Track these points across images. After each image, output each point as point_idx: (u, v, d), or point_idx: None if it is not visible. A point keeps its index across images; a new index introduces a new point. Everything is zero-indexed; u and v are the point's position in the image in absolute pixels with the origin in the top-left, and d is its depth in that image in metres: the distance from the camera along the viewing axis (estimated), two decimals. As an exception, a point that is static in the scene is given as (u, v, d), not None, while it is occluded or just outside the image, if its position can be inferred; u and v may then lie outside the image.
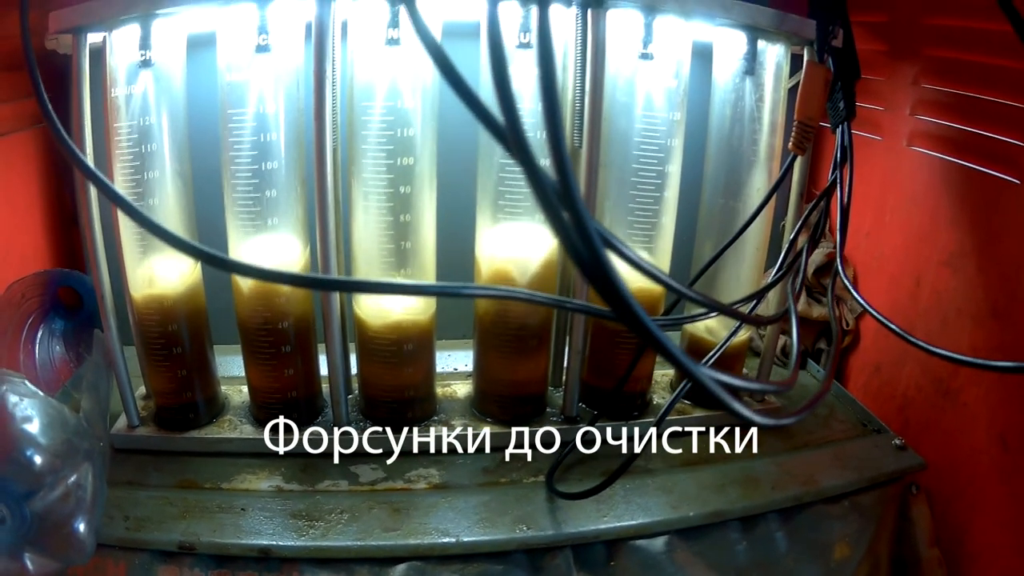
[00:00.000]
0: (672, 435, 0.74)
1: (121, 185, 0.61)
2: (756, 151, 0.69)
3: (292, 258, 0.65)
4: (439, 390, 0.74)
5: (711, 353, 0.66)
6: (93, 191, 0.62)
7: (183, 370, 0.67)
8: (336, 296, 0.64)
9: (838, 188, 0.66)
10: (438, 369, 0.73)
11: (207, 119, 0.64)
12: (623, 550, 0.63)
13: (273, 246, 0.64)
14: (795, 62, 0.67)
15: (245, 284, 0.65)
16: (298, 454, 0.69)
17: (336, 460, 0.69)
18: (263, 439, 0.68)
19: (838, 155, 0.66)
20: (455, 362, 0.79)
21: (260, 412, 0.70)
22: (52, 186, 0.82)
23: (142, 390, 0.73)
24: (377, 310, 0.66)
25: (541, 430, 0.71)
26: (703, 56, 0.69)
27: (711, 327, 0.75)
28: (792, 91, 0.67)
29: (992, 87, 0.66)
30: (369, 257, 0.64)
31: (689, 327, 0.76)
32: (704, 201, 0.72)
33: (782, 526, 0.67)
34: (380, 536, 0.61)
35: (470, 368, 0.74)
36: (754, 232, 0.70)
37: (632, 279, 0.65)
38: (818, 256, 0.85)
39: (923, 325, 0.75)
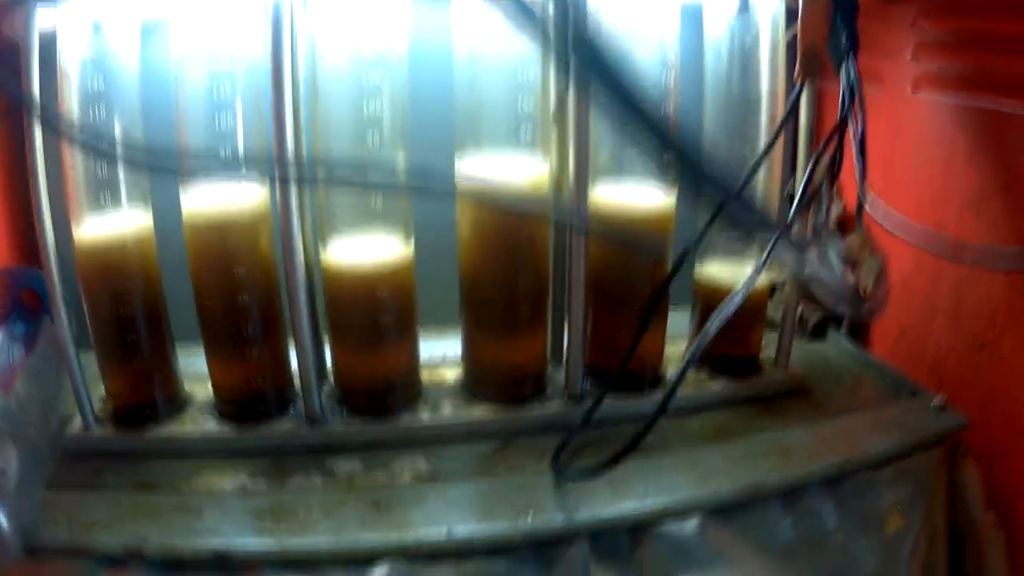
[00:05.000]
0: (690, 411, 0.58)
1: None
2: (757, 95, 0.56)
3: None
4: (425, 375, 0.59)
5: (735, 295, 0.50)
6: (39, 147, 0.48)
7: (139, 361, 0.53)
8: (300, 245, 0.49)
9: (851, 124, 0.53)
10: (423, 357, 0.58)
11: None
12: (649, 536, 0.47)
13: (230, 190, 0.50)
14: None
15: (200, 255, 0.51)
16: (266, 450, 0.53)
17: (309, 454, 0.53)
18: (226, 435, 0.53)
19: (845, 95, 0.53)
20: (443, 349, 0.63)
21: (224, 407, 0.55)
22: (13, 182, 0.68)
23: (103, 392, 0.57)
24: (348, 261, 0.51)
25: (543, 410, 0.55)
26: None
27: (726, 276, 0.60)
28: (791, 47, 0.54)
29: (996, 13, 0.54)
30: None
31: (702, 276, 0.61)
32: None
33: (827, 498, 0.51)
34: (356, 532, 0.45)
35: (459, 355, 0.59)
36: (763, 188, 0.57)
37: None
38: (831, 214, 0.71)
39: (951, 272, 0.63)
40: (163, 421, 0.54)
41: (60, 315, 0.51)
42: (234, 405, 0.54)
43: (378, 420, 0.54)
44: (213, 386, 0.54)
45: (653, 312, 0.55)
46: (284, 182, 0.48)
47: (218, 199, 0.50)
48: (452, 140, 0.52)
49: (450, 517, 0.46)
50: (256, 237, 0.51)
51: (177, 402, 0.56)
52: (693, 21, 0.57)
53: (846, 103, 0.52)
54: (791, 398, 0.61)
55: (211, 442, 0.53)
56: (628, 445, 0.47)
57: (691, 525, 0.47)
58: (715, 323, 0.49)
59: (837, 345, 0.72)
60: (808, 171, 0.53)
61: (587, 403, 0.55)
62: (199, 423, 0.54)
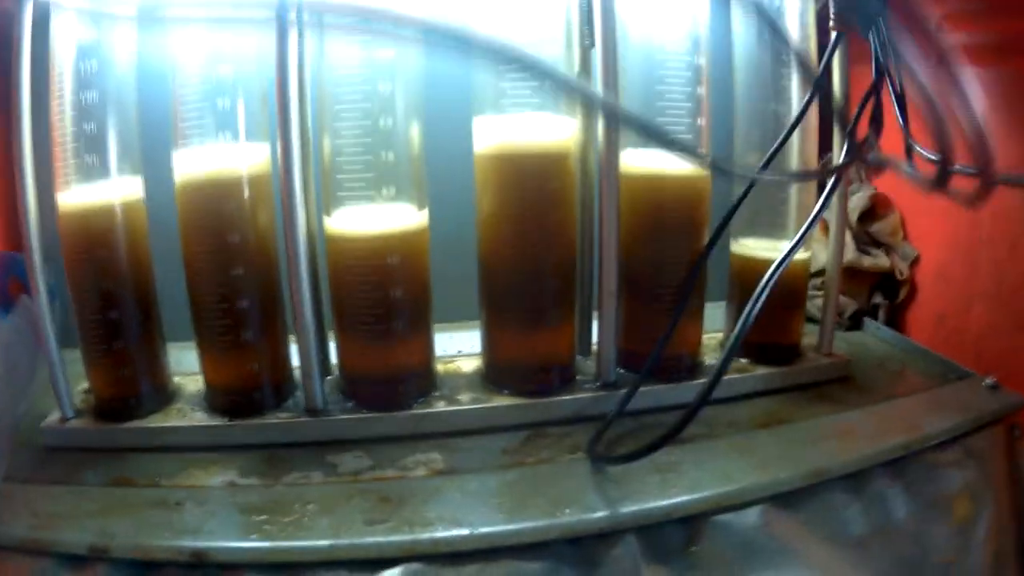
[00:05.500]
0: (734, 399, 0.50)
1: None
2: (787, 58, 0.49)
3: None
4: (440, 368, 0.50)
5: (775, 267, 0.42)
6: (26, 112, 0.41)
7: (124, 346, 0.44)
8: (301, 206, 0.41)
9: (888, 84, 0.46)
10: (439, 352, 0.49)
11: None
12: (705, 529, 0.38)
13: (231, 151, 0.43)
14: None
15: (191, 222, 0.43)
16: (260, 445, 0.44)
17: (308, 449, 0.44)
18: (215, 427, 0.44)
19: (877, 55, 0.46)
20: (460, 343, 0.55)
21: (216, 399, 0.46)
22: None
23: (86, 385, 0.48)
24: (355, 229, 0.43)
25: (574, 398, 0.46)
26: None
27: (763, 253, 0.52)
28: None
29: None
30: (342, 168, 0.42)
31: (738, 254, 0.53)
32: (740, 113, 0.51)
33: (894, 481, 0.43)
34: (361, 531, 0.36)
35: (477, 350, 0.50)
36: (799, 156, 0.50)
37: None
38: (860, 200, 0.64)
39: (989, 253, 0.56)
40: (148, 414, 0.45)
41: (40, 292, 0.43)
42: (226, 396, 0.45)
43: (386, 411, 0.45)
44: (204, 375, 0.46)
45: (690, 289, 0.47)
46: (286, 138, 0.41)
47: (212, 160, 0.42)
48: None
49: (473, 513, 0.37)
50: (253, 203, 0.43)
51: (164, 395, 0.47)
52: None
53: (880, 60, 0.46)
54: (837, 384, 0.53)
55: (198, 435, 0.44)
56: (677, 425, 0.38)
57: (752, 515, 0.38)
58: (764, 290, 0.41)
59: (875, 334, 0.63)
60: (853, 120, 0.45)
61: (621, 392, 0.46)
62: (187, 416, 0.45)
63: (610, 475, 0.40)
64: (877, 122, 0.46)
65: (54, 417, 0.45)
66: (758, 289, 0.42)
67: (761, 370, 0.51)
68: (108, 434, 0.44)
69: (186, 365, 0.49)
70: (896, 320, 0.66)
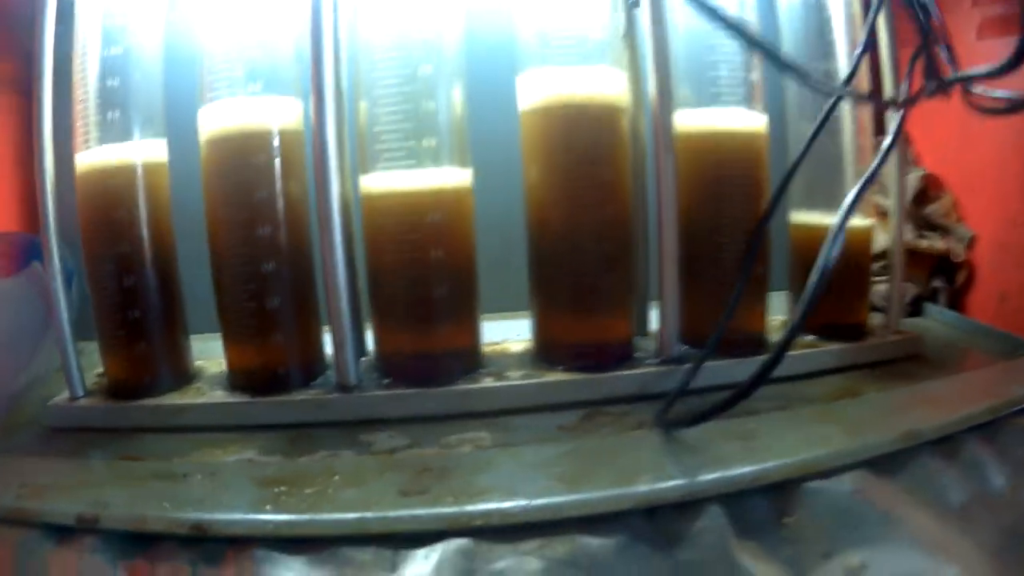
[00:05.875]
0: (803, 377, 0.42)
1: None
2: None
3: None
4: (487, 349, 0.43)
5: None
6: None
7: (138, 315, 0.39)
8: (335, 160, 0.36)
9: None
10: (484, 340, 0.43)
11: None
12: (799, 497, 0.30)
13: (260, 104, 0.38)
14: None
15: (215, 179, 0.38)
16: (285, 424, 0.37)
17: (339, 428, 0.37)
18: (235, 404, 0.38)
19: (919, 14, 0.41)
20: (506, 332, 0.48)
21: (238, 378, 0.40)
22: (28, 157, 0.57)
23: (101, 369, 0.43)
24: (393, 187, 0.38)
25: (635, 373, 0.39)
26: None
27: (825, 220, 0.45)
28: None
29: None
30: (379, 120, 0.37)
31: (798, 219, 0.47)
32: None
33: (987, 446, 0.36)
34: (395, 503, 0.30)
35: (527, 337, 0.44)
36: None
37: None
38: (912, 182, 0.58)
39: None
40: (163, 392, 0.39)
41: (53, 258, 0.38)
42: (249, 374, 0.39)
43: (428, 388, 0.38)
44: (225, 352, 0.40)
45: (754, 256, 0.41)
46: (319, 82, 0.36)
47: (240, 113, 0.38)
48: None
49: (531, 483, 0.30)
50: (284, 160, 0.39)
51: (183, 376, 0.41)
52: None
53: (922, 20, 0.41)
54: (907, 362, 0.45)
55: (217, 413, 0.38)
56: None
57: (847, 481, 0.31)
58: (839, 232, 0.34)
59: (938, 318, 0.56)
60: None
61: (686, 366, 0.39)
62: (205, 394, 0.39)
63: (686, 443, 0.33)
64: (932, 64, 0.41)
65: (63, 396, 0.40)
66: (830, 237, 0.35)
67: (833, 346, 0.43)
68: (118, 412, 0.39)
69: (209, 355, 0.44)
70: (956, 304, 0.58)
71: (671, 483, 0.29)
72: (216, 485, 0.31)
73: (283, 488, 0.31)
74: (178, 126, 0.41)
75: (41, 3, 0.38)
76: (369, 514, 0.28)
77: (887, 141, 0.40)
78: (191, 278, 0.41)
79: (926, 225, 0.59)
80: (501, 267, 0.46)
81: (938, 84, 0.40)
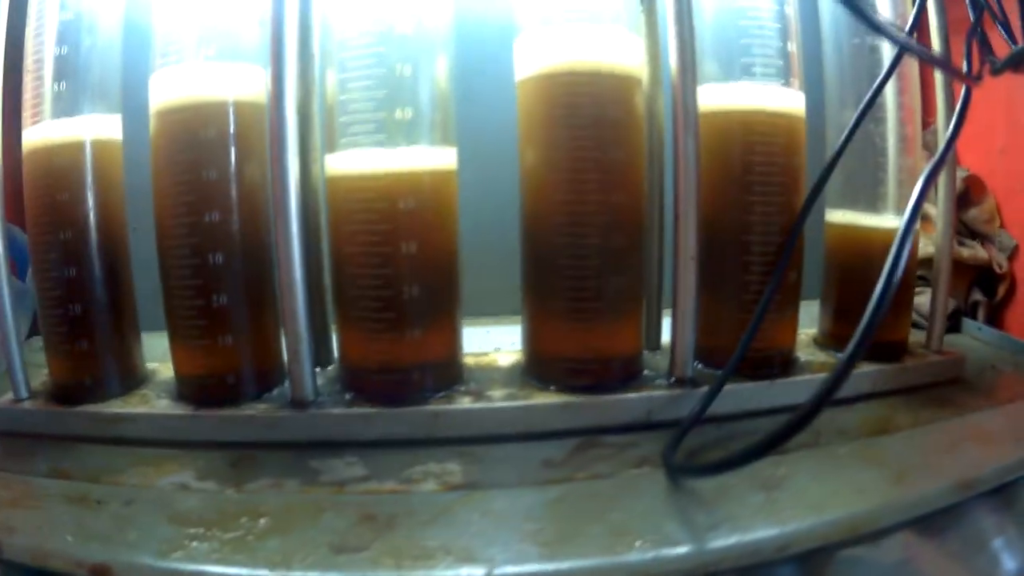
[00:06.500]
0: (837, 402, 0.33)
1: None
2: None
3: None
4: (471, 361, 0.36)
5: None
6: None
7: (80, 310, 0.32)
8: (291, 137, 0.29)
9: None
10: (471, 349, 0.35)
11: None
12: (833, 569, 0.21)
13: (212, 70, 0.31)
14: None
15: (163, 155, 0.31)
16: (231, 443, 0.30)
17: (289, 451, 0.30)
18: (176, 416, 0.31)
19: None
20: (497, 339, 0.41)
21: (185, 385, 0.33)
22: None
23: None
24: (361, 168, 0.30)
25: (640, 396, 0.31)
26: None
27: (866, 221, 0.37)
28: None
29: None
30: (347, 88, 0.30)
31: (835, 218, 0.38)
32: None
33: None
34: (322, 560, 0.22)
35: (518, 347, 0.36)
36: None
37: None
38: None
39: None
40: (107, 397, 0.33)
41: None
42: (194, 380, 0.32)
43: (395, 407, 0.30)
44: (172, 354, 0.33)
45: (786, 262, 0.32)
46: (278, 55, 0.29)
47: (190, 83, 0.31)
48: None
49: (496, 542, 0.22)
50: (239, 136, 0.31)
51: (131, 379, 0.34)
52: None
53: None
54: (948, 386, 0.37)
55: (155, 426, 0.31)
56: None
57: (895, 546, 0.22)
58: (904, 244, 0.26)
59: (976, 335, 0.46)
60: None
61: (701, 390, 0.31)
62: (149, 403, 0.32)
63: (696, 494, 0.25)
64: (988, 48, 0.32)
65: (6, 397, 0.34)
66: (894, 248, 0.26)
67: (869, 367, 0.34)
68: (55, 418, 0.32)
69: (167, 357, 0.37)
70: (995, 319, 0.49)
71: (674, 551, 0.21)
72: (128, 519, 0.24)
73: (200, 530, 0.24)
74: (138, 101, 0.34)
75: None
76: (287, 574, 0.21)
77: (951, 127, 0.31)
78: (152, 270, 0.34)
79: (966, 232, 0.49)
80: (495, 262, 0.38)
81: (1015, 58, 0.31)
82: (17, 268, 0.44)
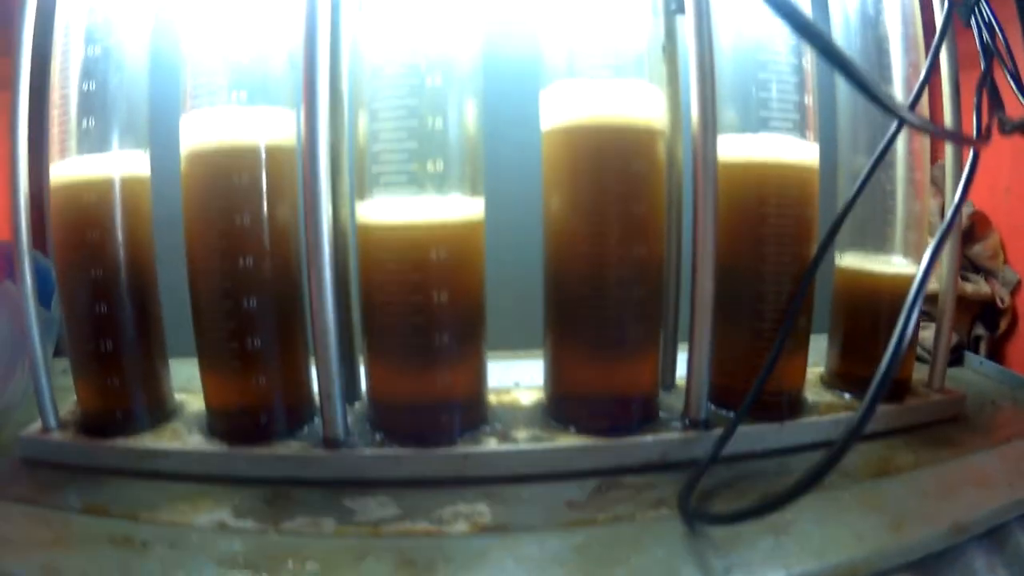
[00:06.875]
0: (830, 443, 0.35)
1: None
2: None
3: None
4: (494, 398, 0.37)
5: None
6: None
7: (111, 345, 0.33)
8: (324, 187, 0.30)
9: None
10: (493, 383, 0.36)
11: None
12: None
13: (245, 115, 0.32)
14: None
15: (195, 199, 0.32)
16: (265, 479, 0.31)
17: (323, 489, 0.31)
18: (211, 454, 0.32)
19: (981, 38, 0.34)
20: (518, 374, 0.42)
21: (217, 420, 0.34)
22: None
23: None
24: (393, 219, 0.31)
25: (657, 439, 0.33)
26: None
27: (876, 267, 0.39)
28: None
29: None
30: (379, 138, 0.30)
31: (845, 262, 0.40)
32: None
33: None
34: None
35: (539, 382, 0.37)
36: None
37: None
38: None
39: None
40: (138, 432, 0.34)
41: (24, 276, 0.33)
42: (228, 417, 0.33)
43: (424, 447, 0.32)
44: (204, 391, 0.34)
45: (799, 306, 0.34)
46: (311, 103, 0.29)
47: (222, 126, 0.31)
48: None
49: (528, 588, 0.24)
50: (271, 180, 0.32)
51: (161, 411, 0.35)
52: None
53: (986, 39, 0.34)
54: (949, 425, 0.39)
55: (190, 462, 0.32)
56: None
57: None
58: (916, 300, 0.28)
59: (977, 370, 0.49)
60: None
61: (715, 432, 0.32)
62: (181, 438, 0.33)
63: (710, 538, 0.27)
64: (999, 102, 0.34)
65: (35, 426, 0.35)
66: (908, 302, 0.28)
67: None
68: (89, 451, 0.33)
69: (194, 382, 0.38)
70: (996, 352, 0.51)
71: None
72: (176, 562, 0.26)
73: (248, 573, 0.25)
74: (166, 136, 0.34)
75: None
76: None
77: (960, 188, 0.32)
78: (180, 295, 0.34)
79: (970, 267, 0.51)
80: (512, 297, 0.39)
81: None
82: (40, 293, 0.45)
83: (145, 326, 0.34)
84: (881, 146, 0.34)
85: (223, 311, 0.31)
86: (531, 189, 0.35)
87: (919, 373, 0.40)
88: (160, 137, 0.35)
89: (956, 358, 0.49)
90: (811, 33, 0.22)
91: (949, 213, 0.31)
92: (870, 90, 0.23)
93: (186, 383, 0.37)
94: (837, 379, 0.39)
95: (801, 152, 0.34)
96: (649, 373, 0.34)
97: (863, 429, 0.24)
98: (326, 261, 0.30)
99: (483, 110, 0.33)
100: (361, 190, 0.32)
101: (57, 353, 0.44)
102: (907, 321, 0.28)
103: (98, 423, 0.34)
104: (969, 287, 0.49)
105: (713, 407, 0.35)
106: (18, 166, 0.33)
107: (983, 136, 0.32)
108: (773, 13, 0.22)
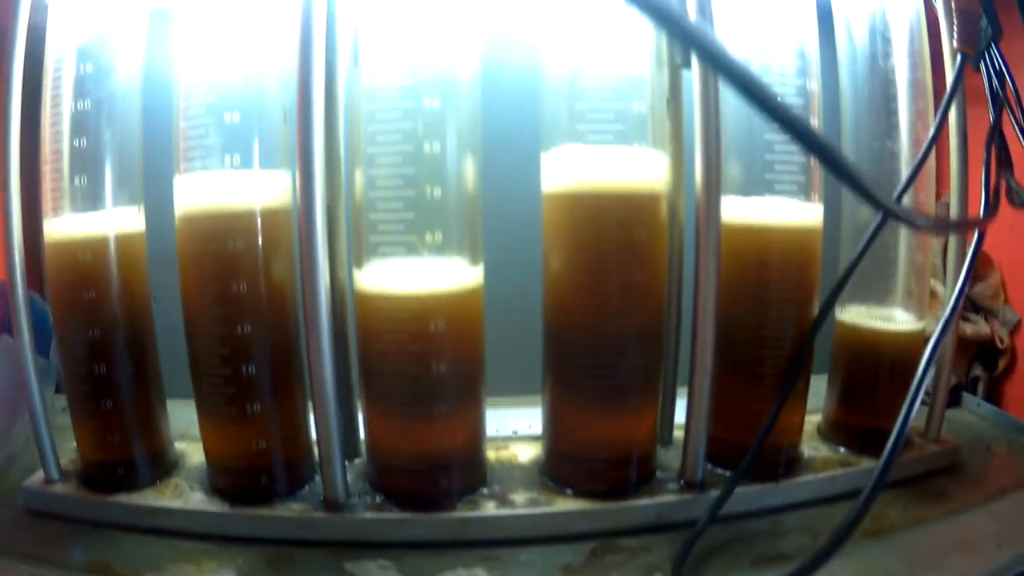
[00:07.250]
0: (833, 498, 0.36)
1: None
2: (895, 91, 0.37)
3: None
4: (492, 455, 0.38)
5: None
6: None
7: (110, 403, 0.33)
8: (322, 255, 0.30)
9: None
10: (490, 432, 0.36)
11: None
12: None
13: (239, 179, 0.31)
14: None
15: (192, 263, 0.31)
16: (268, 539, 0.32)
17: (324, 550, 0.32)
18: (213, 514, 0.32)
19: (991, 86, 0.34)
20: (515, 422, 0.42)
21: (218, 478, 0.34)
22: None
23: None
24: (392, 288, 0.31)
25: (652, 502, 0.33)
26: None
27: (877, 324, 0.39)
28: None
29: None
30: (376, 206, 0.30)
31: (845, 316, 0.40)
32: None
33: None
34: None
35: (536, 431, 0.38)
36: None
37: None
38: None
39: None
40: (140, 487, 0.34)
41: (23, 331, 0.33)
42: (229, 477, 0.34)
43: (423, 511, 0.33)
44: (205, 450, 0.34)
45: (799, 368, 0.34)
46: (307, 169, 0.29)
47: (216, 190, 0.31)
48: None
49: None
50: (267, 245, 0.32)
51: (162, 465, 0.36)
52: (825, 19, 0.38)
53: (995, 86, 0.34)
54: (944, 475, 0.39)
55: (194, 521, 0.33)
56: (839, 534, 0.24)
57: None
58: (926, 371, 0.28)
59: (975, 411, 0.49)
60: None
61: (711, 494, 0.33)
62: (184, 495, 0.34)
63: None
64: (1007, 160, 0.34)
65: (38, 477, 0.35)
66: (919, 372, 0.29)
67: (866, 463, 0.37)
68: (92, 506, 0.34)
69: (195, 429, 0.38)
70: (995, 394, 0.51)
71: None
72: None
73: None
74: (160, 186, 0.34)
75: (9, 45, 0.31)
76: None
77: (964, 268, 0.32)
78: (178, 335, 0.34)
79: (971, 306, 0.51)
80: (509, 346, 0.39)
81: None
82: (38, 336, 0.45)
83: (144, 380, 0.34)
84: (866, 237, 0.34)
85: (222, 376, 0.31)
86: (532, 251, 0.35)
87: (916, 419, 0.41)
88: (157, 186, 0.34)
89: (954, 399, 0.50)
90: (799, 130, 0.21)
91: (951, 301, 0.31)
92: (861, 185, 0.23)
93: (186, 429, 0.38)
94: (833, 431, 0.40)
95: (805, 215, 0.34)
96: (647, 435, 0.35)
97: (863, 518, 0.24)
98: (324, 329, 0.30)
99: (482, 173, 0.32)
100: (358, 257, 0.32)
101: (58, 390, 0.44)
102: (912, 402, 0.28)
103: (100, 476, 0.34)
104: (969, 328, 0.49)
105: (709, 465, 0.36)
106: (12, 223, 0.33)
107: (991, 206, 0.32)
108: (758, 111, 0.21)
